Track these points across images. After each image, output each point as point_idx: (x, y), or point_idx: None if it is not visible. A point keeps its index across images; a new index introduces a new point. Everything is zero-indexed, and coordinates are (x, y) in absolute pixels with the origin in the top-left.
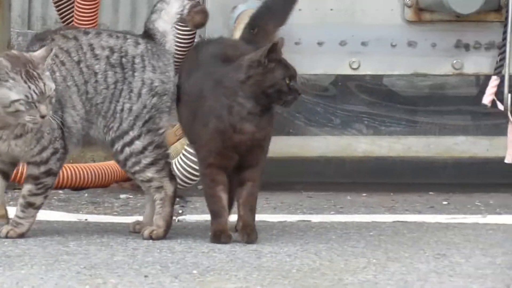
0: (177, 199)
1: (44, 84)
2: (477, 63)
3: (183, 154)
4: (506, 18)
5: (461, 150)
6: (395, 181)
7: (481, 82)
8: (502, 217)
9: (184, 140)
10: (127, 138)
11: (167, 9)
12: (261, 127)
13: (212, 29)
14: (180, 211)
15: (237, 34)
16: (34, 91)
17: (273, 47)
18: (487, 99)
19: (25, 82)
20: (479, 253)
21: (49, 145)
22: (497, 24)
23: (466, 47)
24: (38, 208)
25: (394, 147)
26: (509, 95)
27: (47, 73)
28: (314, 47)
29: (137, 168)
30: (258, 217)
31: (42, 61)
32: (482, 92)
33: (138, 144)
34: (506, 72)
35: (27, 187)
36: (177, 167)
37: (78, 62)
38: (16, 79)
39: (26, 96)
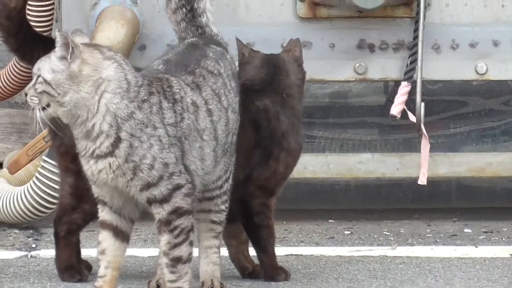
0: (31, 231)
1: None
2: (384, 67)
3: (37, 178)
4: (418, 13)
5: (366, 170)
6: (288, 207)
7: (389, 89)
8: (415, 249)
9: (38, 161)
10: (228, 172)
11: None
12: None
13: (69, 30)
14: (34, 245)
15: (99, 36)
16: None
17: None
18: (396, 109)
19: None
20: None
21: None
22: (406, 21)
23: (371, 47)
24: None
25: None
26: (422, 104)
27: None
28: None
29: (223, 207)
30: None
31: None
32: (390, 101)
33: (230, 180)
34: (418, 77)
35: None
36: (29, 194)
37: None
38: None
39: None
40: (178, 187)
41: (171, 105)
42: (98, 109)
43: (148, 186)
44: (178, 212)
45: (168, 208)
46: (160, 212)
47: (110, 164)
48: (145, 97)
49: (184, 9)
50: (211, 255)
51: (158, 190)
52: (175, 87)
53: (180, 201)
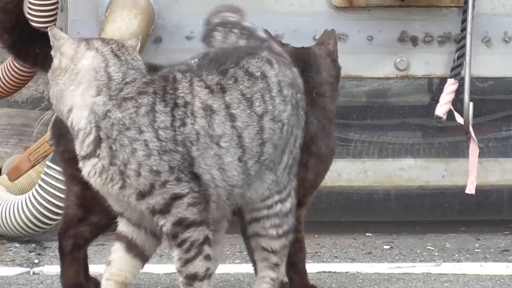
0: (33, 245)
1: None
2: (428, 62)
3: (40, 186)
4: (466, 2)
5: (408, 177)
6: (321, 219)
7: (434, 87)
8: (462, 265)
9: (42, 167)
10: (284, 194)
11: None
12: None
13: (75, 20)
14: (37, 261)
15: (110, 27)
16: None
17: None
18: (441, 109)
19: None
20: None
21: None
22: (453, 11)
23: (414, 41)
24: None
25: None
26: (471, 104)
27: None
28: None
29: (273, 232)
30: None
31: None
32: (435, 101)
33: (288, 204)
34: (466, 73)
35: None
36: (31, 203)
37: None
38: None
39: None
40: (176, 197)
41: (168, 109)
42: (74, 102)
43: (142, 195)
44: (183, 224)
45: (172, 220)
46: (165, 224)
47: (93, 165)
48: (130, 95)
49: None
50: (261, 284)
51: (154, 199)
52: (180, 90)
53: (183, 212)
